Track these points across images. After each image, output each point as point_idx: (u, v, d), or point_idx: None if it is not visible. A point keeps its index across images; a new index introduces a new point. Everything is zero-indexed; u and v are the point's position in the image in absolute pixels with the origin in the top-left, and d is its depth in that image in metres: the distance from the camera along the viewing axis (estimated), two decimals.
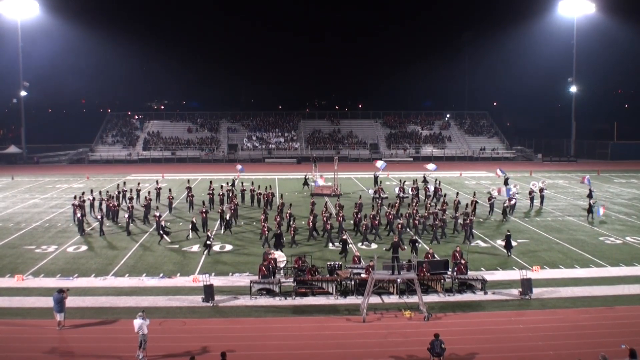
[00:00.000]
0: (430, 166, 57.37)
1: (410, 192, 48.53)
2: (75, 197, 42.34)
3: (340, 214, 37.08)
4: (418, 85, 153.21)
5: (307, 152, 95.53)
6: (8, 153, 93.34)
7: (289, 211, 38.41)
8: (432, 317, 22.75)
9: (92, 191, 46.05)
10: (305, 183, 56.80)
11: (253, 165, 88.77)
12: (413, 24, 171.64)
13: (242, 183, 52.39)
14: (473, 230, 36.29)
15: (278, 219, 36.00)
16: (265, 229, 34.15)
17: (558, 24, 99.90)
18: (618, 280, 27.83)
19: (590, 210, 42.41)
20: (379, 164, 55.64)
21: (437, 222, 35.80)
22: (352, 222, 38.43)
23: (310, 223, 35.96)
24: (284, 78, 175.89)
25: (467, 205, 41.50)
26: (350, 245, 33.83)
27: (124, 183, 50.98)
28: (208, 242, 32.06)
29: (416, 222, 36.81)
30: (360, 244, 34.64)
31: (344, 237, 32.56)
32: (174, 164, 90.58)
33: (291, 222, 36.38)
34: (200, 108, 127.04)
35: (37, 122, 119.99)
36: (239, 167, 57.64)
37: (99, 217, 38.95)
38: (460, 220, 37.30)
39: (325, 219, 35.96)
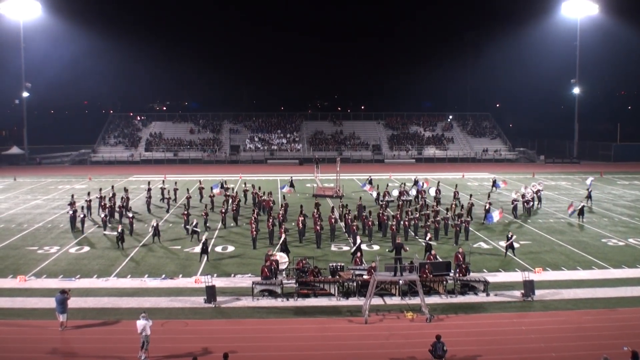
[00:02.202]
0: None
1: (412, 194, 48.26)
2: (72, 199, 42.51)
3: (333, 216, 37.06)
4: (420, 86, 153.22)
5: (310, 153, 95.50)
6: (10, 154, 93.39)
7: (280, 212, 38.46)
8: (434, 318, 22.74)
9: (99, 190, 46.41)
10: (291, 185, 56.41)
11: (255, 166, 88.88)
12: (415, 24, 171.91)
13: (245, 184, 51.99)
14: (470, 231, 36.32)
15: (271, 220, 36.05)
16: (253, 230, 34.22)
17: (561, 25, 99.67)
18: (620, 282, 27.79)
19: (581, 212, 42.13)
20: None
21: (428, 224, 35.82)
22: (342, 223, 38.53)
23: (300, 224, 35.96)
24: (286, 79, 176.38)
25: (462, 207, 41.45)
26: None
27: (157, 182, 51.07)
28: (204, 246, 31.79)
29: (406, 223, 36.79)
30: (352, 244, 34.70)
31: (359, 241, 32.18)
32: (176, 165, 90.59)
33: (282, 223, 36.31)
34: (202, 109, 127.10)
35: (39, 123, 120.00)
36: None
37: (80, 215, 39.62)
38: (451, 222, 37.36)
39: (315, 219, 36.00)
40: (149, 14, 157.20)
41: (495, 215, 38.90)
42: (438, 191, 47.85)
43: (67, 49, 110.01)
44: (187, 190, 49.79)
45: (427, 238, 31.86)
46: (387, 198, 45.70)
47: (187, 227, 36.99)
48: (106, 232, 37.52)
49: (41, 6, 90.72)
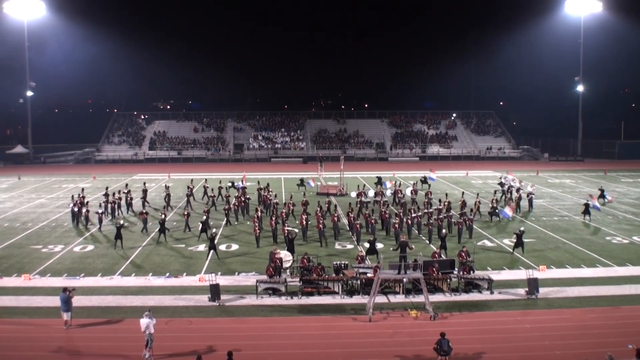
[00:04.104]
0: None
1: (388, 194, 47.87)
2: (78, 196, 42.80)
3: (336, 214, 37.03)
4: (424, 84, 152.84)
5: (313, 151, 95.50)
6: (15, 153, 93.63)
7: (284, 210, 38.52)
8: (439, 316, 22.73)
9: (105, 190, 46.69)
10: (302, 184, 56.28)
11: (259, 165, 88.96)
12: (419, 23, 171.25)
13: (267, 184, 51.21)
14: (473, 229, 36.32)
15: (274, 218, 36.04)
16: (256, 228, 34.29)
17: (565, 22, 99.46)
18: (625, 280, 27.74)
19: (586, 210, 41.95)
20: None
21: (431, 222, 35.83)
22: (346, 221, 38.52)
23: (304, 222, 35.96)
24: (290, 78, 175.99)
25: (463, 204, 41.47)
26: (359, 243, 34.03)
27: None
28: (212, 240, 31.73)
29: (409, 221, 36.76)
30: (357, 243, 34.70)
31: (370, 239, 32.17)
32: (180, 164, 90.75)
33: (285, 222, 36.24)
34: (205, 108, 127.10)
35: (44, 122, 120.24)
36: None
37: (99, 211, 40.00)
38: (454, 220, 37.30)
39: (318, 217, 36.05)
40: (153, 13, 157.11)
41: (508, 210, 39.44)
42: (414, 192, 47.32)
43: (71, 48, 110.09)
44: (226, 189, 49.92)
45: (443, 233, 31.92)
46: (362, 199, 45.20)
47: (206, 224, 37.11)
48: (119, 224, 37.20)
49: (45, 5, 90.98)
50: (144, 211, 40.32)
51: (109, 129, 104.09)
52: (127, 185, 50.29)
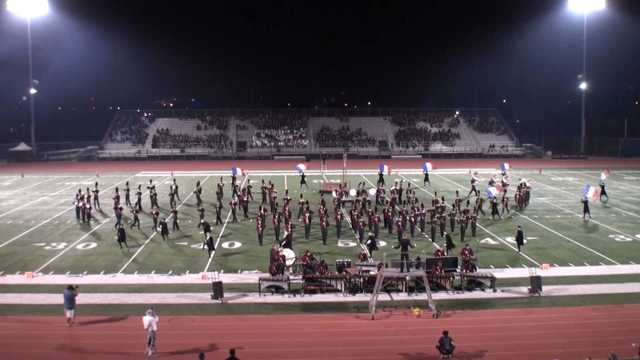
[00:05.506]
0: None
1: (372, 194, 47.63)
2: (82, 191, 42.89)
3: (339, 212, 37.03)
4: (427, 82, 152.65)
5: (316, 149, 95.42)
6: (18, 150, 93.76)
7: (287, 208, 38.50)
8: (441, 314, 22.74)
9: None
10: (303, 181, 56.27)
11: (262, 162, 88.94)
12: (422, 21, 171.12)
13: (263, 181, 51.40)
14: (476, 227, 36.29)
15: (276, 216, 36.01)
16: (259, 226, 34.32)
17: (568, 20, 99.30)
18: (628, 278, 27.70)
19: (586, 208, 41.83)
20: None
21: (434, 219, 35.78)
22: (349, 219, 38.46)
23: (307, 220, 35.93)
24: (293, 76, 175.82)
25: (467, 202, 41.57)
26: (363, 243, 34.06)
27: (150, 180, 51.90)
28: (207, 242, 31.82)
29: (412, 219, 36.70)
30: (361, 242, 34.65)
31: (371, 234, 32.24)
32: (183, 162, 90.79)
33: (289, 219, 36.20)
34: (208, 106, 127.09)
35: (47, 119, 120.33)
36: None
37: (87, 206, 40.71)
38: (457, 218, 37.24)
39: (321, 215, 36.02)
40: (155, 11, 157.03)
41: (494, 191, 42.14)
42: (395, 191, 46.77)
43: (74, 46, 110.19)
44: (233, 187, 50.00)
45: (445, 234, 31.95)
46: (344, 198, 44.82)
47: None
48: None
49: (48, 3, 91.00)
50: (153, 212, 40.25)
51: (112, 127, 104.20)
52: (151, 180, 50.30)
